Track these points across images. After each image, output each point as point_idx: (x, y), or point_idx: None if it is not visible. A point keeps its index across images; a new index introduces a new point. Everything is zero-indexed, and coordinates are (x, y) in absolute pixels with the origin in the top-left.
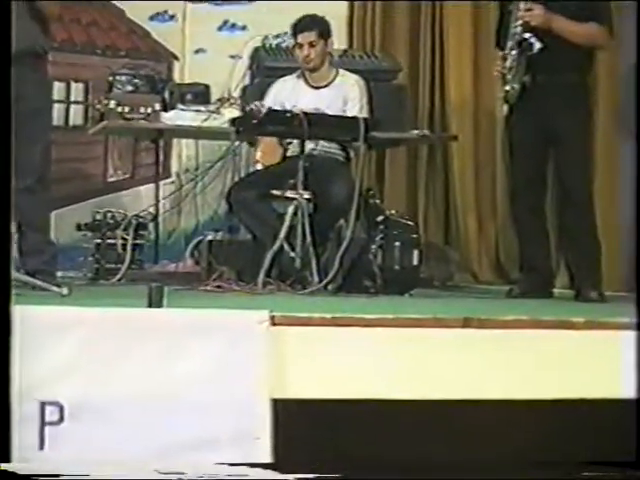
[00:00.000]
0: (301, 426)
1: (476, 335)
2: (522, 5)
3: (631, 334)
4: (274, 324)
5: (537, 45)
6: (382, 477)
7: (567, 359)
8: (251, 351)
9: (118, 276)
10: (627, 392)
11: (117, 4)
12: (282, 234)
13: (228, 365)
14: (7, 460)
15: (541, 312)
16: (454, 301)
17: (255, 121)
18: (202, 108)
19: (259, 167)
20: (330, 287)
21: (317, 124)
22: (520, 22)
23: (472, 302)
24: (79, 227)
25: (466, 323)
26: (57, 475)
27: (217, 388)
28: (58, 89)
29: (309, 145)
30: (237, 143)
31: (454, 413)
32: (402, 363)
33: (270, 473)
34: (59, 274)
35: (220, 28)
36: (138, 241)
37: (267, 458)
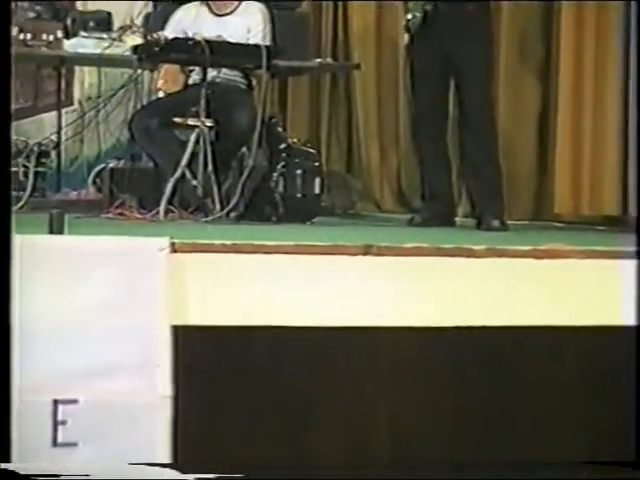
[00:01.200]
0: (202, 353)
1: (376, 262)
2: None
3: (531, 262)
4: (174, 251)
5: None
6: (279, 403)
7: (468, 287)
8: (152, 278)
9: (20, 204)
10: (526, 319)
11: None
12: (184, 162)
13: (129, 292)
14: (7, 460)
15: (442, 240)
16: (355, 229)
17: (157, 49)
18: (104, 36)
19: (161, 95)
20: (232, 215)
21: (219, 52)
22: None
23: (373, 230)
24: None
25: (366, 250)
26: (57, 475)
27: (117, 315)
28: None
29: (211, 73)
30: (139, 71)
31: (355, 340)
32: (303, 290)
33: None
34: None
35: None
36: (40, 169)
37: (167, 385)
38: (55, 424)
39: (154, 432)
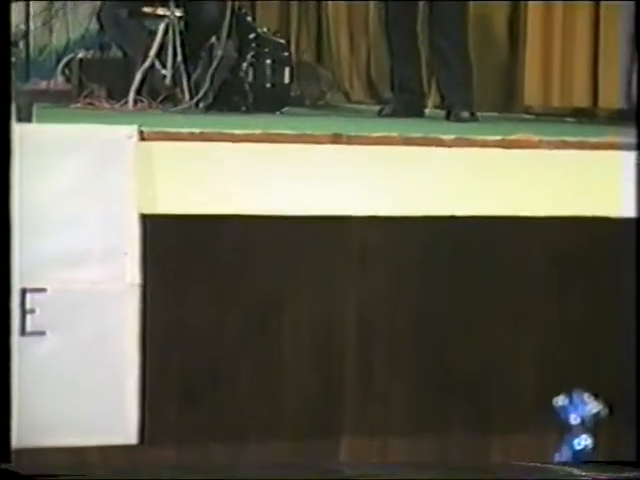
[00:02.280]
0: (170, 242)
1: (345, 151)
2: None
3: (500, 151)
4: (143, 139)
5: None
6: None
7: (437, 176)
8: (120, 166)
9: None
10: (495, 209)
11: None
12: (153, 51)
13: (97, 181)
14: (7, 460)
15: (411, 130)
16: (325, 119)
17: None
18: None
19: None
20: (201, 105)
21: None
22: None
23: (343, 120)
24: None
25: (335, 139)
26: (55, 475)
27: (86, 204)
28: None
29: None
30: None
31: (323, 229)
32: (271, 179)
33: None
34: None
35: None
36: None
37: (136, 274)
38: (23, 313)
39: (123, 321)
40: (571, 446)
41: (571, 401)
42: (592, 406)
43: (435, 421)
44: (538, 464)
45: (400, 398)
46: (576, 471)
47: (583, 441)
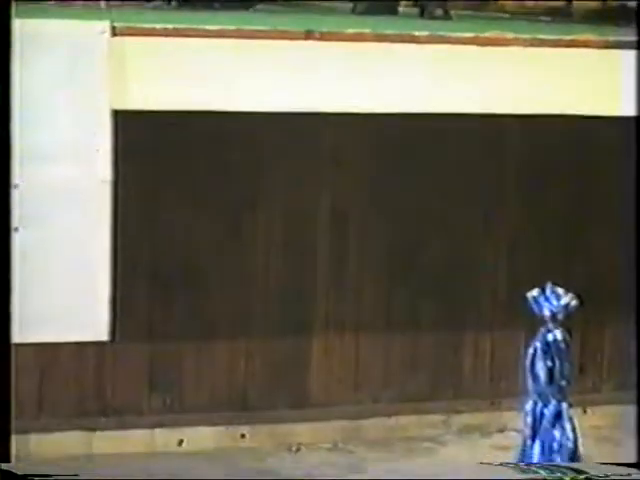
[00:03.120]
0: (142, 138)
1: (318, 48)
2: None
3: (474, 49)
4: (115, 35)
5: None
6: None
7: (411, 73)
8: (92, 62)
9: None
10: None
11: None
12: None
13: (69, 77)
14: (7, 460)
15: (385, 27)
16: (298, 16)
17: None
18: None
19: None
20: (173, 2)
21: None
22: None
23: (316, 17)
24: None
25: (308, 35)
26: (51, 475)
27: (58, 100)
28: None
29: None
30: None
31: (295, 125)
32: (243, 75)
33: None
34: None
35: None
36: None
37: (107, 170)
38: None
39: (94, 218)
40: (543, 338)
41: (544, 294)
42: (564, 299)
43: (406, 317)
44: (538, 464)
45: (371, 295)
46: (573, 472)
47: (555, 334)
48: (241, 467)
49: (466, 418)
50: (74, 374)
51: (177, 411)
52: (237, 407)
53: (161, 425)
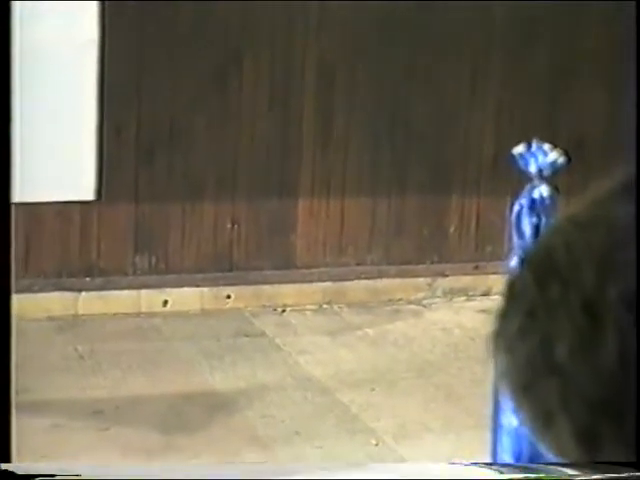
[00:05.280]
0: None
1: None
2: None
3: None
4: None
5: None
6: None
7: None
8: None
9: None
10: None
11: None
12: None
13: None
14: (7, 460)
15: None
16: None
17: None
18: None
19: None
20: None
21: None
22: None
23: None
24: None
25: None
26: (53, 475)
27: None
28: None
29: None
30: None
31: None
32: None
33: None
34: None
35: None
36: None
37: (94, 29)
38: None
39: (80, 77)
40: (529, 195)
41: (530, 150)
42: (551, 155)
43: (392, 180)
44: (537, 464)
45: (357, 158)
46: (571, 471)
47: (541, 191)
48: (226, 327)
49: (451, 281)
50: (59, 235)
51: (162, 272)
52: (223, 268)
53: (146, 286)
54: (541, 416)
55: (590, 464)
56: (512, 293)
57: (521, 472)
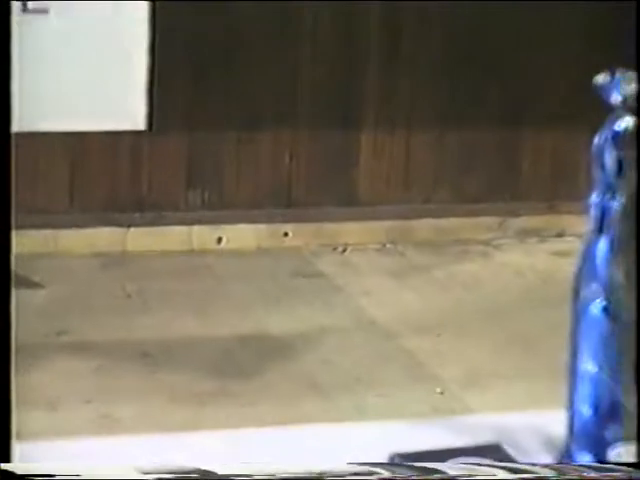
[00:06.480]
0: None
1: None
2: None
3: None
4: None
5: None
6: None
7: None
8: None
9: None
10: None
11: None
12: None
13: None
14: (7, 460)
15: None
16: None
17: None
18: None
19: None
20: None
21: None
22: None
23: None
24: None
25: None
26: (53, 475)
27: None
28: None
29: None
30: None
31: None
32: None
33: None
34: None
35: None
36: None
37: None
38: None
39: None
40: (612, 128)
41: (613, 79)
42: (635, 85)
43: (462, 113)
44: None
45: (426, 88)
46: (574, 471)
47: (625, 122)
48: (284, 267)
49: (523, 221)
50: (107, 166)
51: (216, 207)
52: (280, 204)
53: (199, 222)
54: None
55: (590, 464)
56: None
57: (522, 473)
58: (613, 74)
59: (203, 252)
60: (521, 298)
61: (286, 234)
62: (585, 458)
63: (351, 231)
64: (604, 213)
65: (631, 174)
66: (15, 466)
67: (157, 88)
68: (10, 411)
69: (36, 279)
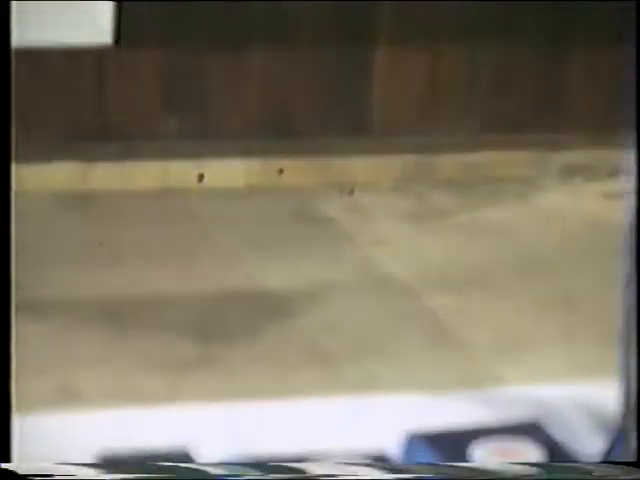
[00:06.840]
0: None
1: None
2: None
3: None
4: None
5: None
6: None
7: None
8: None
9: None
10: None
11: None
12: None
13: None
14: (7, 460)
15: None
16: None
17: None
18: None
19: None
20: None
21: None
22: None
23: None
24: None
25: None
26: (53, 475)
27: None
28: None
29: None
30: None
31: None
32: None
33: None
34: None
35: None
36: None
37: None
38: None
39: None
40: None
41: None
42: None
43: (496, 24)
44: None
45: None
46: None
47: None
48: (279, 210)
49: (568, 157)
50: (67, 87)
51: (198, 137)
52: (275, 133)
53: (178, 155)
54: None
55: (591, 464)
56: None
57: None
58: None
59: (182, 191)
60: (564, 249)
61: (281, 170)
62: None
63: (361, 167)
64: None
65: None
66: (15, 466)
67: None
68: (10, 411)
69: None
